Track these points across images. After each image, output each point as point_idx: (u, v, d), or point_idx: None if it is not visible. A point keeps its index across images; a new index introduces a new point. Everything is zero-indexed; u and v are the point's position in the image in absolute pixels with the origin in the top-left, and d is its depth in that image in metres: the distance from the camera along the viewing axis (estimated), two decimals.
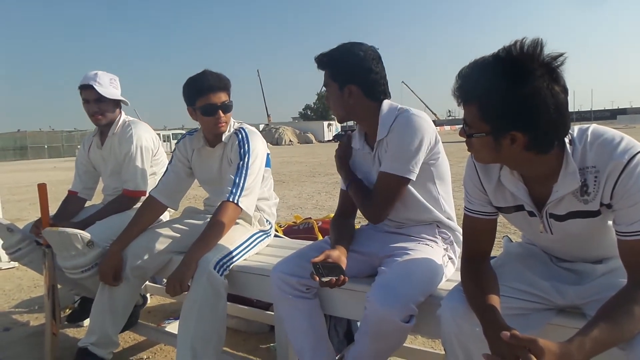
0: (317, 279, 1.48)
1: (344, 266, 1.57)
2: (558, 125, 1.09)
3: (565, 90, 1.08)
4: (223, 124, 2.10)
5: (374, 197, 1.67)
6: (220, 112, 2.07)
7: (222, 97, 2.08)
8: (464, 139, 1.21)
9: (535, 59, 1.06)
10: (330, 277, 1.49)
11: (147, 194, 2.27)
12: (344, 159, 1.86)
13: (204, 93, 2.05)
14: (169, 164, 2.33)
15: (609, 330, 1.01)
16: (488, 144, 1.14)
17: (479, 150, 1.19)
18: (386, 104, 1.73)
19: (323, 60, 1.73)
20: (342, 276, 1.51)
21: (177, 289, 1.83)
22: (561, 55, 1.07)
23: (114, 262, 2.06)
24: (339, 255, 1.60)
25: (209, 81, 2.06)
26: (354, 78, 1.68)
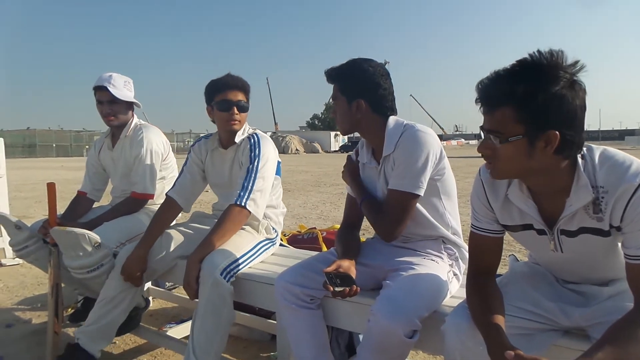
0: (332, 288, 1.49)
1: (354, 276, 1.58)
2: (583, 126, 1.11)
3: (585, 93, 1.10)
4: (236, 122, 2.15)
5: (386, 215, 1.67)
6: (235, 108, 2.13)
7: (239, 96, 2.15)
8: (486, 155, 1.20)
9: (559, 62, 1.08)
10: (343, 287, 1.50)
11: (165, 195, 2.30)
12: (355, 174, 1.87)
13: (222, 90, 2.14)
14: (184, 165, 2.35)
15: (614, 354, 1.01)
16: (522, 148, 1.12)
17: (508, 160, 1.16)
18: (392, 119, 1.75)
19: (332, 74, 1.77)
20: (354, 286, 1.52)
21: (190, 290, 1.90)
22: (578, 61, 1.09)
23: (140, 264, 2.09)
24: (349, 265, 1.62)
25: (227, 80, 2.16)
26: (362, 92, 1.71)
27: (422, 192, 1.64)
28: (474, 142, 56.66)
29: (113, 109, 2.51)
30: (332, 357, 1.75)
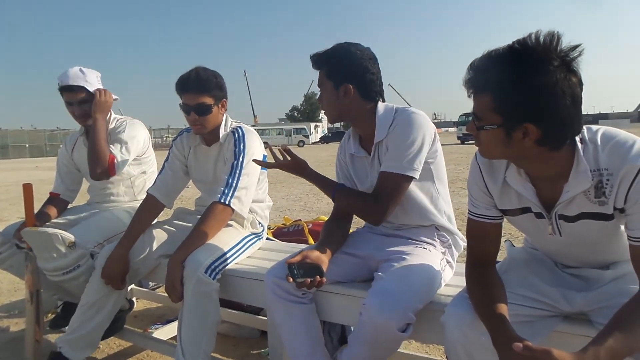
0: (292, 280, 1.46)
1: (324, 267, 1.54)
2: (573, 118, 1.05)
3: (581, 83, 1.04)
4: (197, 126, 2.04)
5: (376, 198, 1.61)
6: (194, 113, 2.01)
7: (199, 98, 2.00)
8: (473, 135, 1.17)
9: (552, 50, 1.02)
10: (305, 278, 1.46)
11: (146, 192, 2.19)
12: (301, 166, 1.70)
13: (181, 92, 2.02)
14: (165, 161, 2.24)
15: (623, 339, 0.98)
16: (499, 137, 1.10)
17: (488, 145, 1.15)
18: (382, 105, 1.70)
19: (318, 59, 1.70)
20: (317, 277, 1.48)
21: (174, 293, 1.81)
22: (578, 46, 1.03)
23: (121, 265, 1.99)
24: (319, 255, 1.56)
25: (188, 81, 2.00)
26: (350, 77, 1.65)
27: (417, 175, 1.60)
28: (453, 129, 57.30)
29: (92, 108, 2.33)
30: (326, 352, 1.70)
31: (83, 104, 2.34)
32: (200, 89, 2.00)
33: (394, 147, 1.61)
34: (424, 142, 1.60)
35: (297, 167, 1.69)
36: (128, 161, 2.39)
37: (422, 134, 1.60)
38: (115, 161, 2.31)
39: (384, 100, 1.74)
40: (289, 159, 1.68)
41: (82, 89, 2.31)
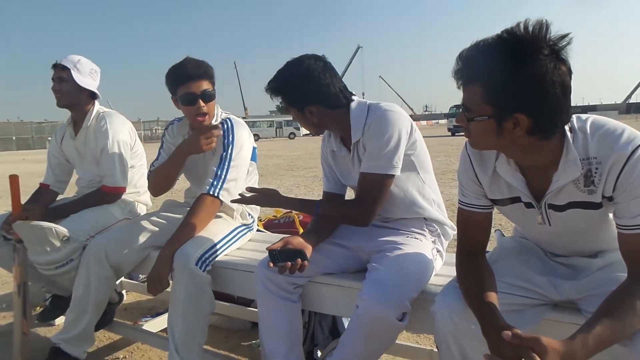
0: (271, 264, 1.47)
1: (308, 252, 1.54)
2: (562, 107, 1.05)
3: (570, 72, 1.04)
4: (205, 116, 2.00)
5: (359, 201, 1.62)
6: (201, 101, 1.97)
7: (203, 85, 1.98)
8: (463, 126, 1.16)
9: (541, 39, 1.01)
10: (284, 263, 1.48)
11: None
12: (274, 194, 1.72)
13: (184, 82, 1.96)
14: (160, 148, 2.22)
15: (611, 327, 0.99)
16: (490, 128, 1.09)
17: (479, 136, 1.14)
18: (354, 103, 1.69)
19: (273, 91, 1.69)
20: (299, 260, 1.49)
21: (157, 287, 1.78)
22: (567, 35, 1.02)
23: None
24: (300, 241, 1.57)
25: (187, 69, 1.96)
26: (309, 99, 1.64)
27: (397, 172, 1.60)
28: (444, 121, 57.46)
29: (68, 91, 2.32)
30: (302, 353, 1.71)
31: (61, 82, 2.32)
32: (202, 76, 1.98)
33: (370, 147, 1.61)
34: (401, 138, 1.59)
35: (269, 196, 1.70)
36: (127, 169, 2.40)
37: (397, 129, 1.59)
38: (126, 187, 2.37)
39: (352, 100, 1.70)
40: (256, 194, 1.69)
41: (66, 69, 2.29)
